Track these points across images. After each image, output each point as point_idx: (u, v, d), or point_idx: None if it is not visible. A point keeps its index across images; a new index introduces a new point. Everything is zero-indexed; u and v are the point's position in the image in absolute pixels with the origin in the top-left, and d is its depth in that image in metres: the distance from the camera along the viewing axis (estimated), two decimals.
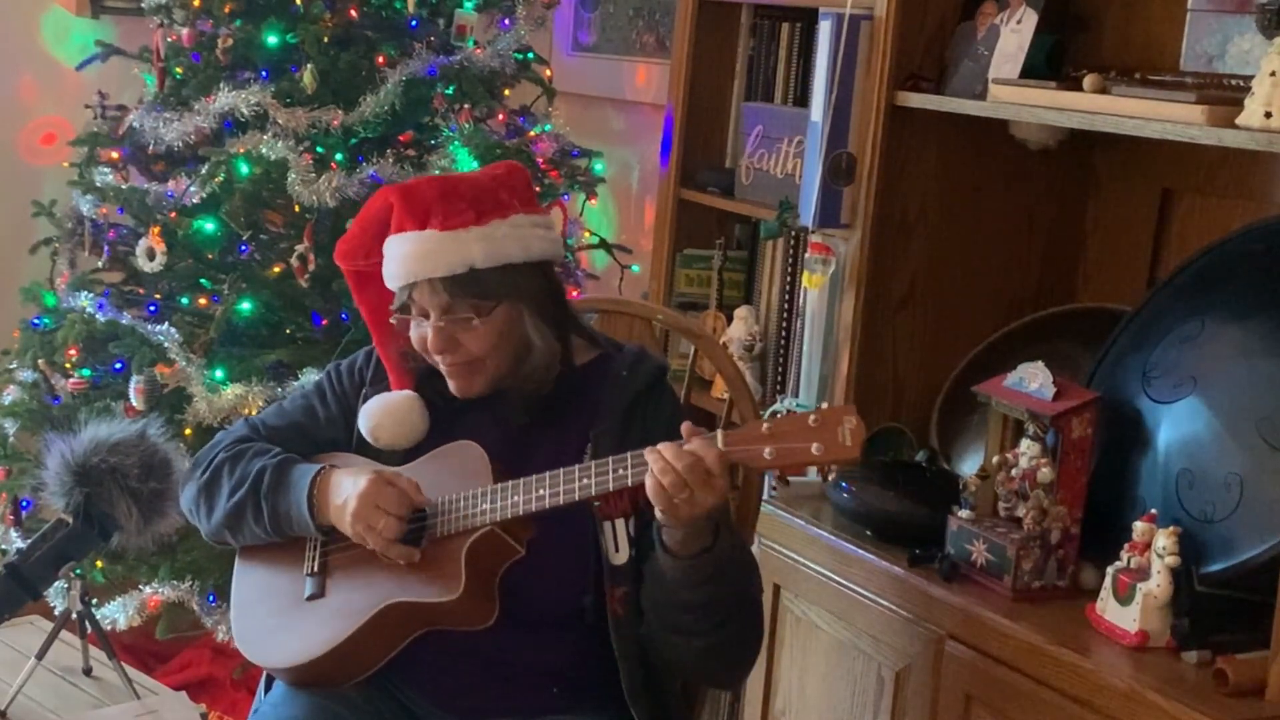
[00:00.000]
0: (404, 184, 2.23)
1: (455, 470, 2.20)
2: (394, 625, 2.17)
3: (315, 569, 2.25)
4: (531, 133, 3.68)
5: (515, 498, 2.12)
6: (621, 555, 2.16)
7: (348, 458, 2.29)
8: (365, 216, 2.25)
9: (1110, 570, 2.22)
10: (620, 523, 2.16)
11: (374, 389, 2.30)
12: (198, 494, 2.32)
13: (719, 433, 2.01)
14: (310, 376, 3.26)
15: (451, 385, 2.22)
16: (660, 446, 1.99)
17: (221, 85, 3.43)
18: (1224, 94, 2.23)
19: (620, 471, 2.06)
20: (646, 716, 2.19)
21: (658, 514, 2.01)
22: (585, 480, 2.08)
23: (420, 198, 2.17)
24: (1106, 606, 2.22)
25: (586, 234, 3.86)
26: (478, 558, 2.14)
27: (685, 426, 2.03)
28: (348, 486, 2.17)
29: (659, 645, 2.17)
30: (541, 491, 2.11)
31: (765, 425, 1.99)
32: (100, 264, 3.65)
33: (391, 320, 2.24)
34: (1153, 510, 2.24)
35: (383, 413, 2.25)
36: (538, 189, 3.63)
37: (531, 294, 2.18)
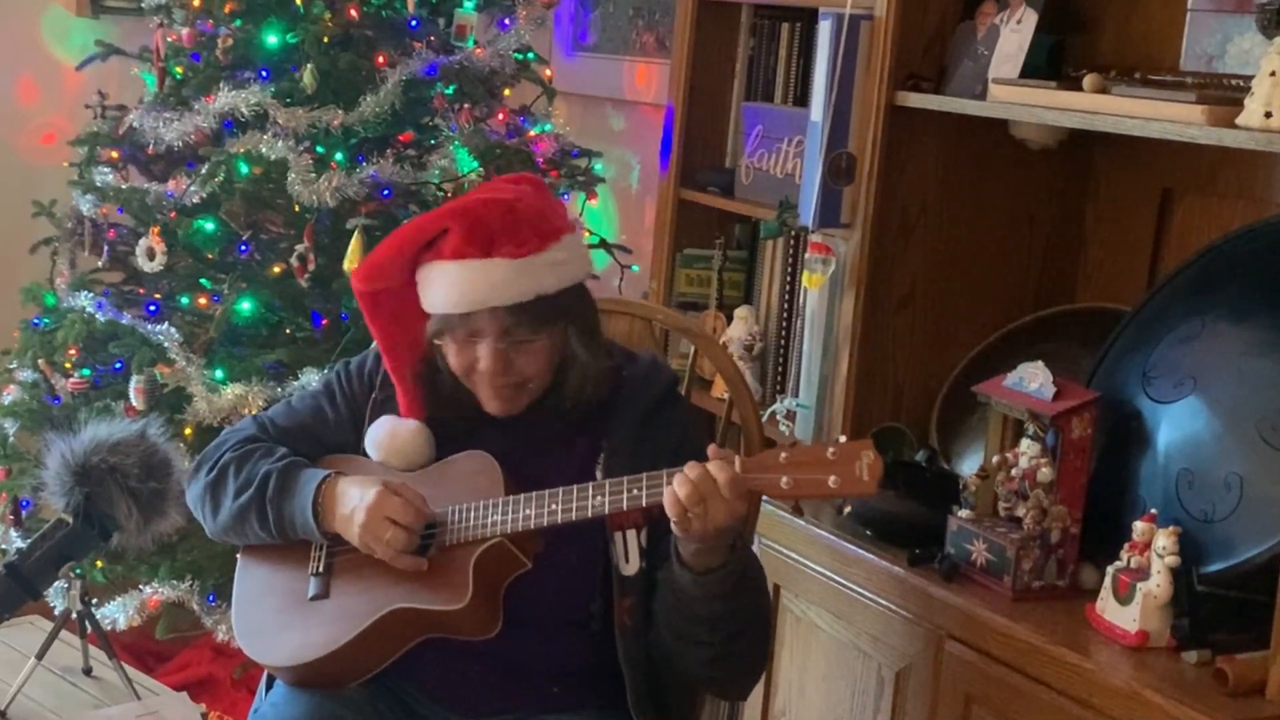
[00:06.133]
0: (460, 208, 2.17)
1: (467, 479, 2.19)
2: (397, 630, 2.17)
3: (320, 569, 2.25)
4: (531, 133, 3.68)
5: (527, 511, 2.12)
6: (632, 566, 2.16)
7: (357, 461, 2.29)
8: (401, 240, 2.20)
9: (1110, 570, 2.22)
10: (632, 533, 2.15)
11: (383, 393, 2.29)
12: (203, 492, 2.32)
13: (736, 458, 2.00)
14: (310, 376, 3.26)
15: (492, 405, 2.20)
16: (685, 466, 1.99)
17: (221, 85, 3.43)
18: (1224, 94, 2.23)
19: (635, 492, 2.06)
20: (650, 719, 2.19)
21: (673, 525, 2.01)
22: (599, 498, 2.08)
23: (484, 224, 2.13)
24: (1106, 606, 2.22)
25: (586, 234, 3.86)
26: (485, 568, 2.13)
27: (711, 448, 2.02)
28: (354, 497, 2.17)
29: (667, 653, 2.17)
30: (554, 506, 2.11)
31: (783, 454, 1.99)
32: (100, 264, 3.65)
33: (436, 341, 2.20)
34: (1153, 510, 2.24)
35: (390, 448, 2.24)
36: None
37: (581, 313, 2.19)
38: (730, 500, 1.97)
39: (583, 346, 2.18)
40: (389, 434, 2.25)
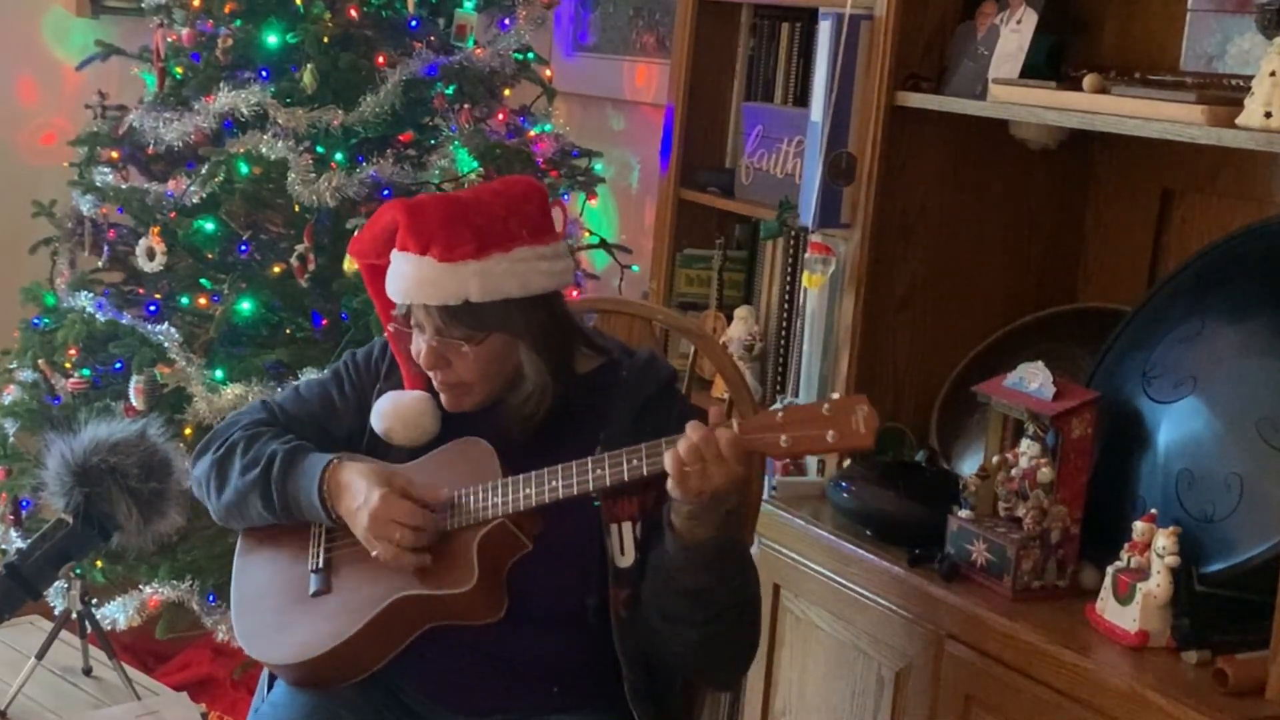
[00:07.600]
0: (412, 202, 2.21)
1: (464, 466, 2.20)
2: (404, 619, 2.17)
3: (320, 564, 2.25)
4: (531, 133, 3.68)
5: (527, 490, 2.13)
6: (627, 558, 2.16)
7: (360, 459, 2.29)
8: (375, 224, 2.25)
9: (1110, 570, 2.22)
10: (628, 525, 2.16)
11: (388, 384, 2.30)
12: (210, 469, 2.32)
13: (733, 420, 2.02)
14: (310, 376, 3.25)
15: (442, 399, 2.23)
16: (688, 425, 2.00)
17: (221, 85, 3.43)
18: (1224, 94, 2.23)
19: (635, 462, 2.06)
20: (648, 717, 2.19)
21: (669, 485, 2.01)
22: (599, 471, 2.08)
23: (425, 222, 2.15)
24: (1106, 606, 2.22)
25: (586, 234, 3.86)
26: (488, 550, 2.14)
27: (712, 410, 2.03)
28: (360, 492, 2.17)
29: (654, 636, 2.16)
30: (554, 483, 2.11)
31: (779, 414, 1.99)
32: (100, 264, 3.65)
33: (390, 328, 2.25)
34: (1153, 510, 2.24)
35: (394, 414, 2.25)
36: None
37: (528, 327, 2.17)
38: (729, 461, 1.97)
39: (534, 364, 2.17)
40: (393, 401, 2.26)
